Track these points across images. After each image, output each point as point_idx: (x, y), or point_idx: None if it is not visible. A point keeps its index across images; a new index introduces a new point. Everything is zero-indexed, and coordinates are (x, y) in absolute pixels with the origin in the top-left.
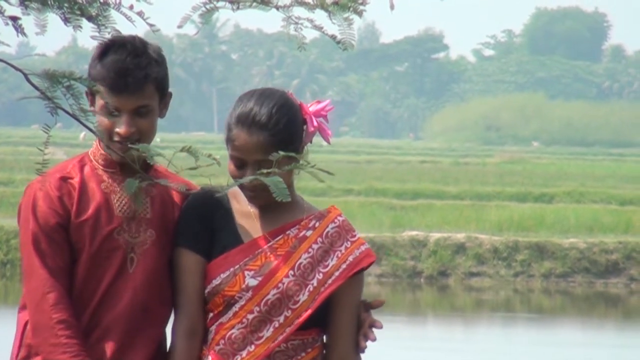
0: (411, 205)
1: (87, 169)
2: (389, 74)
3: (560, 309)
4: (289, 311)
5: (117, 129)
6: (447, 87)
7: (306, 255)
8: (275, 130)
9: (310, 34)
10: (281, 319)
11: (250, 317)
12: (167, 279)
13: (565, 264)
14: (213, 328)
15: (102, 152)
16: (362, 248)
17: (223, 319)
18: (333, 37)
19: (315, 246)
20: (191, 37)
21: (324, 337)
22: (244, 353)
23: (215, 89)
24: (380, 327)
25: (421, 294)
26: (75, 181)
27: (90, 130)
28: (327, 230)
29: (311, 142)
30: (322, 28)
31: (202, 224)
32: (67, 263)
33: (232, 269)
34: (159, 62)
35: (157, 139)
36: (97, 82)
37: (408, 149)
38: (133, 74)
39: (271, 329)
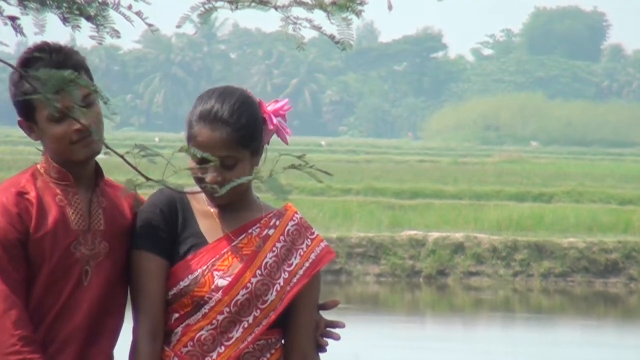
0: (410, 205)
1: (40, 183)
2: (387, 73)
3: (559, 309)
4: (258, 311)
5: (74, 128)
6: (446, 86)
7: (271, 254)
8: (238, 126)
9: (309, 34)
10: (250, 319)
11: (220, 318)
12: (120, 290)
13: (565, 263)
14: (179, 330)
15: (55, 165)
16: (322, 245)
17: (191, 321)
18: (332, 37)
19: (279, 245)
20: (190, 37)
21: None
22: (214, 355)
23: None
24: (343, 327)
25: (420, 293)
26: (32, 196)
27: (82, 125)
28: (287, 228)
29: (268, 143)
30: (320, 28)
31: (164, 226)
32: (25, 279)
33: (200, 270)
34: (78, 58)
35: (156, 138)
36: (32, 98)
37: (407, 148)
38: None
39: (241, 330)
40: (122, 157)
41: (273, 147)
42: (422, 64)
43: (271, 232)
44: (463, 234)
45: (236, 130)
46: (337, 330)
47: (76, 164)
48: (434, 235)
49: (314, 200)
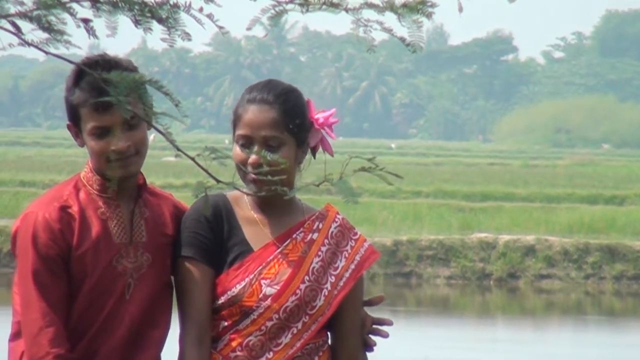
0: (480, 207)
1: (82, 194)
2: (457, 75)
3: (631, 311)
4: (307, 317)
5: (112, 147)
6: (516, 89)
7: (317, 259)
8: (285, 107)
9: (378, 36)
10: (299, 325)
11: (269, 324)
12: (164, 301)
13: (637, 266)
14: (227, 336)
15: (97, 176)
16: (366, 245)
17: (240, 326)
18: (402, 39)
19: (323, 249)
20: (260, 39)
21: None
22: None
23: None
24: (391, 324)
25: (490, 296)
26: (74, 210)
27: (162, 133)
28: (330, 230)
29: (316, 150)
30: (391, 30)
31: (209, 234)
32: (65, 295)
33: (247, 279)
34: (133, 70)
35: (226, 140)
36: (80, 107)
37: (477, 151)
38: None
39: (289, 336)
40: (192, 159)
41: (343, 149)
42: (492, 67)
43: (315, 235)
44: (534, 237)
45: (283, 112)
46: (384, 327)
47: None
48: (505, 237)
49: (383, 202)
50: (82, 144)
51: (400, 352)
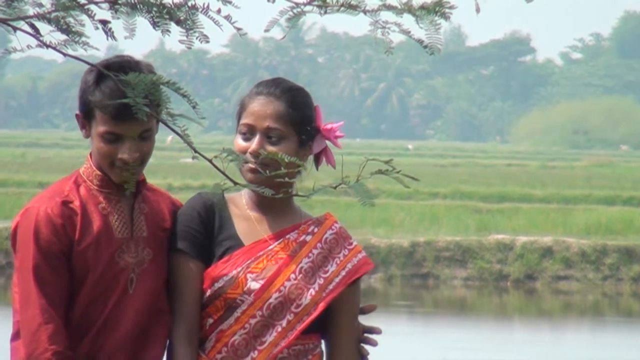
0: (497, 209)
1: (82, 190)
2: (475, 77)
3: None
4: (292, 315)
5: (120, 155)
6: (534, 90)
7: (307, 259)
8: (290, 102)
9: (396, 38)
10: (283, 322)
11: (252, 321)
12: (166, 298)
13: None
14: (213, 336)
15: (98, 172)
16: (360, 256)
17: (224, 326)
18: (420, 41)
19: (315, 251)
20: (277, 41)
21: (324, 346)
22: (248, 359)
23: None
24: (379, 332)
25: (508, 297)
26: (76, 205)
27: (179, 135)
28: (325, 236)
29: (320, 161)
30: (409, 32)
31: (200, 228)
32: (65, 292)
33: (234, 272)
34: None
35: None
36: (96, 109)
37: (494, 152)
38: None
39: (274, 333)
40: (209, 161)
41: (360, 150)
42: (510, 68)
43: (308, 238)
44: (551, 238)
45: (288, 106)
46: (374, 336)
47: None
48: (522, 239)
49: (401, 203)
50: (87, 135)
51: (417, 353)
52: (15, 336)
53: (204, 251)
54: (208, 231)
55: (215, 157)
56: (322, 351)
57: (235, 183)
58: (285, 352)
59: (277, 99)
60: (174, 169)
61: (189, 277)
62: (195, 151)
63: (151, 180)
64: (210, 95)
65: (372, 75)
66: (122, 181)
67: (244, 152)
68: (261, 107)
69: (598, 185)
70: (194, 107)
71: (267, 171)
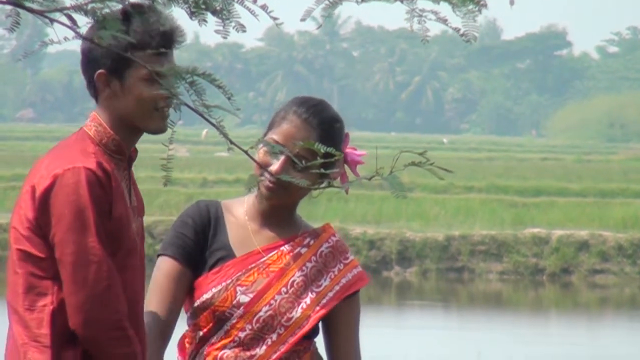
0: (533, 203)
1: (100, 153)
2: (510, 70)
3: None
4: (282, 328)
5: (163, 94)
6: (570, 84)
7: (300, 273)
8: (326, 136)
9: (431, 31)
10: (274, 336)
11: (242, 335)
12: None
13: None
14: (204, 349)
15: (116, 136)
16: (355, 271)
17: (214, 339)
18: (457, 29)
19: (309, 264)
20: (312, 34)
21: (315, 344)
22: None
23: (336, 86)
24: None
25: (544, 291)
26: (108, 168)
27: (215, 126)
28: (321, 249)
29: (334, 179)
30: (446, 20)
31: (192, 235)
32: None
33: (224, 283)
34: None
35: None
36: (134, 51)
37: (530, 146)
38: (178, 28)
39: (264, 347)
40: (245, 152)
41: (395, 144)
42: (545, 61)
43: (303, 250)
44: (587, 232)
45: (323, 137)
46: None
47: (136, 135)
48: (558, 232)
49: (436, 197)
50: (108, 97)
51: (452, 348)
52: (30, 308)
53: (192, 260)
54: (200, 240)
55: (251, 148)
56: (314, 348)
57: (271, 174)
58: None
59: (313, 129)
60: (209, 163)
61: (171, 277)
62: (231, 142)
63: (186, 174)
64: (244, 89)
65: (406, 69)
66: (159, 128)
67: (267, 166)
68: (295, 131)
69: (634, 179)
70: (229, 99)
71: (282, 191)
